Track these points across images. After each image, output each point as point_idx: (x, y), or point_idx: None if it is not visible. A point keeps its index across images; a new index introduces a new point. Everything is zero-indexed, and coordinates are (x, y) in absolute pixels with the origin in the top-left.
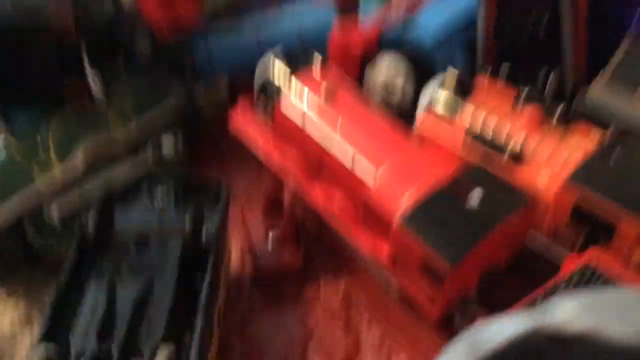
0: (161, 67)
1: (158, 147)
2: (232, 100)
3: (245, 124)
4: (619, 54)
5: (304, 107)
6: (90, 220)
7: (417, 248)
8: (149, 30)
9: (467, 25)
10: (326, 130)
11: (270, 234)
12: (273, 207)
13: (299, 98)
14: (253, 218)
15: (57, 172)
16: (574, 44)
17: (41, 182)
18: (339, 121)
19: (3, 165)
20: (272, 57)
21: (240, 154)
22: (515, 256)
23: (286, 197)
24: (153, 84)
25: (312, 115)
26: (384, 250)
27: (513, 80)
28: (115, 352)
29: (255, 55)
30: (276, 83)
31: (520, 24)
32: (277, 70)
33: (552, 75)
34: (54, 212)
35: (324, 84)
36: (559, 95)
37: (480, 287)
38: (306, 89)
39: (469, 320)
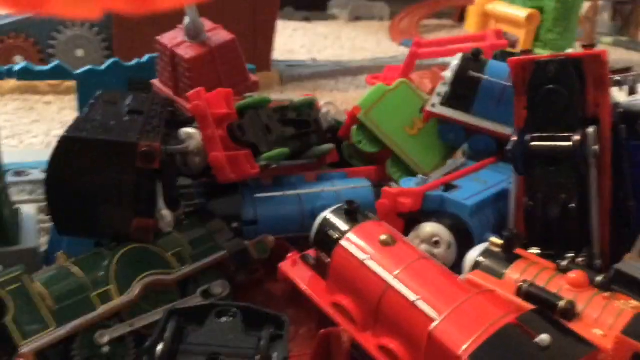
0: (216, 218)
1: (207, 291)
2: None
3: (297, 272)
4: None
5: (364, 254)
6: (165, 336)
7: None
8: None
9: (499, 201)
10: (389, 269)
11: None
12: (323, 357)
13: (359, 247)
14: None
15: (115, 303)
16: (601, 230)
17: (100, 311)
18: (400, 266)
19: (69, 290)
20: (329, 212)
21: (284, 302)
22: None
23: (339, 353)
24: (206, 227)
25: (373, 260)
26: None
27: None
28: None
29: (298, 214)
30: (334, 235)
31: (549, 210)
32: (335, 223)
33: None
34: (104, 338)
35: (382, 234)
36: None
37: None
38: (365, 239)
39: None
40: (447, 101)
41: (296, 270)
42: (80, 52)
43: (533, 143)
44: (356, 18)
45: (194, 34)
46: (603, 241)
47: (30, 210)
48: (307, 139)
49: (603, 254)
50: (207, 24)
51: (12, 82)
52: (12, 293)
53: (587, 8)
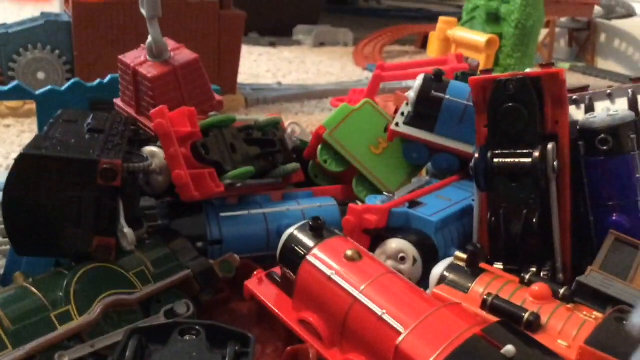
0: (180, 237)
1: (170, 309)
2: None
3: (263, 290)
4: (603, 251)
5: (330, 269)
6: (126, 355)
7: None
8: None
9: (463, 217)
10: (353, 290)
11: None
12: None
13: (325, 263)
14: None
15: (75, 324)
16: (562, 243)
17: (59, 332)
18: (366, 281)
19: (27, 311)
20: (294, 229)
21: (250, 321)
22: None
23: None
24: (169, 247)
25: (339, 276)
26: None
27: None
28: None
29: (263, 232)
30: (300, 251)
31: (511, 225)
32: (301, 239)
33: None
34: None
35: (348, 250)
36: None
37: None
38: (331, 255)
39: None
40: (411, 120)
41: (262, 288)
42: (41, 75)
43: (495, 160)
44: (320, 44)
45: (157, 53)
46: (565, 254)
47: None
48: (273, 158)
49: (565, 267)
50: (171, 43)
51: None
52: None
53: (545, 34)
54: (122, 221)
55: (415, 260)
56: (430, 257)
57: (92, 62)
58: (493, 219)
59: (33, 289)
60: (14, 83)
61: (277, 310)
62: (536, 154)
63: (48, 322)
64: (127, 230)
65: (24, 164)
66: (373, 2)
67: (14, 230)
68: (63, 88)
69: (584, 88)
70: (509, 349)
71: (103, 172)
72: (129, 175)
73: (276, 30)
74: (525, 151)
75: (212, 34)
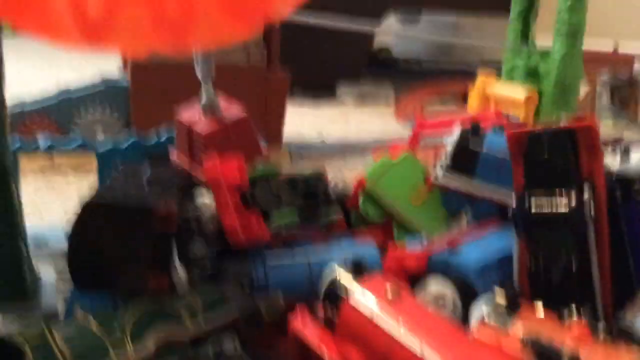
0: (228, 281)
1: (219, 343)
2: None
3: (306, 328)
4: None
5: (371, 309)
6: None
7: None
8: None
9: (503, 261)
10: (393, 330)
11: None
12: None
13: (365, 302)
14: None
15: (129, 352)
16: (602, 287)
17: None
18: (406, 316)
19: (87, 346)
20: (336, 270)
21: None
22: None
23: None
24: (219, 290)
25: (379, 316)
26: None
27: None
28: None
29: (306, 278)
30: (341, 292)
31: (551, 272)
32: (344, 278)
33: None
34: None
35: (388, 285)
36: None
37: None
38: (372, 295)
39: None
40: (449, 172)
41: (306, 326)
42: (100, 135)
43: (532, 210)
44: (363, 102)
45: (211, 112)
46: (605, 297)
47: (50, 274)
48: (316, 209)
49: (606, 310)
50: (223, 102)
51: (33, 163)
52: (35, 349)
53: (586, 92)
54: (175, 263)
55: (455, 305)
56: (470, 302)
57: (148, 122)
58: (533, 265)
59: (93, 326)
60: (79, 139)
61: (320, 348)
62: (573, 203)
63: (107, 356)
64: (179, 271)
65: (89, 211)
66: (414, 63)
67: (76, 270)
68: (124, 147)
69: (618, 140)
70: None
71: (160, 219)
72: (183, 222)
73: (319, 90)
74: (562, 199)
75: (259, 95)
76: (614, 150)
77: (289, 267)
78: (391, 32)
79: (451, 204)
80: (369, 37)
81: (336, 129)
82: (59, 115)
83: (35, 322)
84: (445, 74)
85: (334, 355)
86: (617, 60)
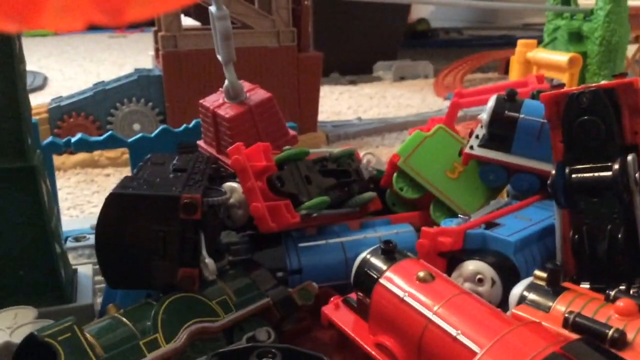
0: (260, 267)
1: (252, 337)
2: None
3: (340, 315)
4: None
5: (403, 291)
6: None
7: None
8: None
9: (545, 237)
10: (429, 305)
11: None
12: None
13: (397, 285)
14: None
15: (162, 350)
16: None
17: (148, 358)
18: (439, 302)
19: (118, 340)
20: (367, 253)
21: (331, 348)
22: None
23: None
24: (252, 282)
25: (412, 297)
26: None
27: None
28: None
29: (341, 259)
30: (373, 275)
31: (596, 243)
32: (373, 263)
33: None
34: None
35: (420, 271)
36: None
37: None
38: (404, 277)
39: None
40: (486, 143)
41: (339, 313)
42: (136, 126)
43: (573, 175)
44: (401, 78)
45: (234, 95)
46: None
47: (87, 271)
48: (348, 188)
49: None
50: (246, 84)
51: (73, 158)
52: (63, 343)
53: (634, 50)
54: (204, 252)
55: (493, 282)
56: (510, 278)
57: (182, 109)
58: (576, 237)
59: (124, 319)
60: (107, 133)
61: (353, 335)
62: (616, 166)
63: (137, 350)
64: (208, 260)
65: (113, 202)
66: (454, 34)
67: (105, 264)
68: (152, 135)
69: None
70: None
71: (184, 207)
72: (209, 209)
73: (356, 69)
74: (604, 164)
75: (291, 76)
76: None
77: (322, 249)
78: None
79: (489, 177)
80: (405, 10)
81: (373, 107)
82: (95, 109)
83: (67, 325)
84: (486, 42)
85: (367, 343)
86: None
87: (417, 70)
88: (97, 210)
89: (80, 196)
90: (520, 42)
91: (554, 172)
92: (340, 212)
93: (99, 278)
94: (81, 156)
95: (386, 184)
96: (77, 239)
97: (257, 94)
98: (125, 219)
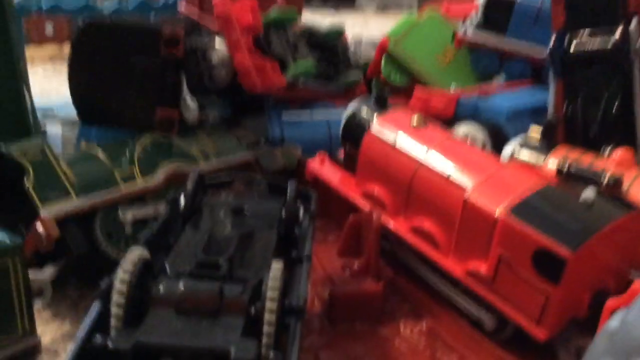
0: (243, 127)
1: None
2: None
3: (326, 170)
4: None
5: (395, 135)
6: (186, 191)
7: (530, 238)
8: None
9: (536, 113)
10: (421, 148)
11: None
12: (352, 244)
13: (389, 130)
14: (327, 256)
15: (139, 183)
16: None
17: (123, 187)
18: (431, 145)
19: (92, 169)
20: (357, 102)
21: None
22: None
23: (370, 232)
24: (235, 138)
25: (404, 141)
26: (480, 268)
27: None
28: (223, 263)
29: (325, 143)
30: (364, 123)
31: (590, 113)
32: (365, 111)
33: None
34: (127, 215)
35: (415, 115)
36: None
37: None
38: (396, 123)
39: (574, 356)
40: (481, 26)
41: (325, 168)
42: None
43: (574, 42)
44: (384, 8)
45: None
46: None
47: (57, 130)
48: (335, 65)
49: None
50: None
51: (42, 52)
52: (34, 163)
53: None
54: (186, 93)
55: (484, 145)
56: (501, 144)
57: None
58: (570, 107)
59: (99, 152)
60: (82, 1)
61: (338, 186)
62: (617, 33)
63: (112, 180)
64: (190, 101)
65: (89, 30)
66: None
67: (78, 97)
68: (130, 7)
69: None
70: (588, 193)
71: (166, 40)
72: (191, 52)
73: None
74: (605, 32)
75: None
76: None
77: (307, 124)
78: None
79: (482, 65)
80: None
81: (356, 33)
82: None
83: (36, 145)
84: None
85: (353, 194)
86: None
87: (401, 1)
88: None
89: (48, 86)
90: None
91: (551, 43)
92: (327, 88)
93: (68, 139)
94: (50, 49)
95: (373, 74)
96: (45, 115)
97: None
98: (102, 49)
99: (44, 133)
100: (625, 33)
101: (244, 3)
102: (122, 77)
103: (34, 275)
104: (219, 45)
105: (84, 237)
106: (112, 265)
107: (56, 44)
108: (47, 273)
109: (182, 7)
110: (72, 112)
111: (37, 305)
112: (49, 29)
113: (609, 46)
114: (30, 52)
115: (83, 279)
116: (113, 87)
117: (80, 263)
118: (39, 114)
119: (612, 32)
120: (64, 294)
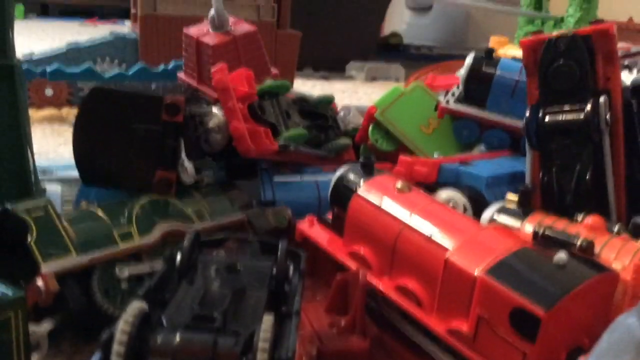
0: (236, 189)
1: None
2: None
3: (315, 231)
4: None
5: (380, 199)
6: (182, 249)
7: (507, 297)
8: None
9: (514, 181)
10: (405, 212)
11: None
12: (339, 301)
13: (375, 194)
14: (315, 314)
15: (136, 241)
16: (616, 197)
17: (121, 245)
18: (414, 208)
19: (91, 227)
20: (345, 168)
21: None
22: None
23: (356, 290)
24: (228, 200)
25: (389, 204)
26: (462, 326)
27: None
28: (218, 316)
29: (314, 204)
30: (351, 187)
31: (564, 183)
32: (352, 176)
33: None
34: (124, 272)
35: (399, 180)
36: None
37: None
38: (381, 188)
39: None
40: (462, 98)
41: (314, 230)
42: None
43: (547, 117)
44: (372, 78)
45: (219, 25)
46: (619, 208)
47: (56, 189)
48: (325, 132)
49: (620, 220)
50: (231, 18)
51: (41, 113)
52: (37, 220)
53: None
54: (183, 156)
55: (465, 209)
56: (481, 209)
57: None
58: (545, 178)
59: (99, 211)
60: (85, 66)
61: (327, 246)
62: (588, 107)
63: (110, 238)
64: (187, 164)
65: (96, 96)
66: (425, 50)
67: (81, 159)
68: (130, 72)
69: (636, 53)
70: (561, 255)
71: (167, 108)
72: (190, 118)
73: (329, 67)
74: (577, 107)
75: (268, 52)
76: (629, 65)
77: (297, 186)
78: (402, 19)
79: (463, 133)
80: (381, 14)
81: (345, 100)
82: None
83: (39, 202)
84: (454, 58)
85: (340, 254)
86: (633, 29)
87: (388, 72)
88: (64, 158)
89: (46, 146)
90: (493, 38)
91: (527, 115)
92: (317, 153)
93: (67, 198)
94: (48, 111)
95: (361, 140)
96: (44, 173)
97: (242, 26)
98: (106, 114)
99: (44, 192)
100: (596, 107)
101: (240, 73)
102: (124, 141)
103: (32, 328)
104: (216, 111)
105: (81, 293)
106: (107, 321)
107: (54, 107)
108: (44, 327)
109: (182, 76)
110: (70, 172)
111: (34, 359)
112: (49, 92)
113: (581, 118)
114: (30, 113)
115: (78, 334)
116: (115, 150)
117: (76, 318)
118: (39, 173)
119: (583, 106)
120: (58, 348)
